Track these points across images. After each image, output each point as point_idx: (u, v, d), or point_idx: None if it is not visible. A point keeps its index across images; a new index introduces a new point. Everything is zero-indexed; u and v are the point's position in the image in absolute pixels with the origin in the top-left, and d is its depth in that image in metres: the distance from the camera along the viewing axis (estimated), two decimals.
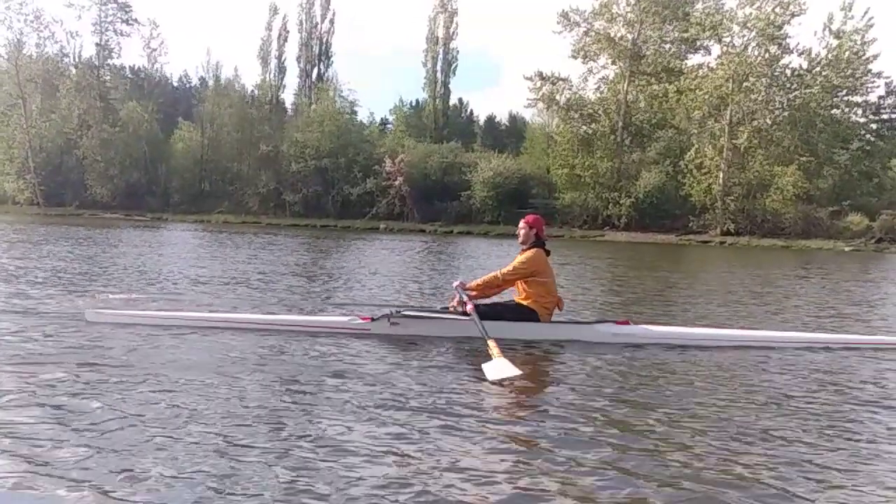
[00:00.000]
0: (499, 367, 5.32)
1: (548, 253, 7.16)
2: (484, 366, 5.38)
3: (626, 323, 7.17)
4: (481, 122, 76.12)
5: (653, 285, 14.48)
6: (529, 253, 7.06)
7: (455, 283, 7.16)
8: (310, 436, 3.81)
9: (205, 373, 5.06)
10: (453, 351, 6.32)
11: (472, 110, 78.28)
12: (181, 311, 7.75)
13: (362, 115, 70.04)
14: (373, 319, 6.81)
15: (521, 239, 7.22)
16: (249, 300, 9.14)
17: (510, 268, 7.02)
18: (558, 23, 48.94)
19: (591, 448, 3.80)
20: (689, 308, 10.45)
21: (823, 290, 14.31)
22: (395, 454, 3.59)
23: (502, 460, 3.58)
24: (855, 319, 9.83)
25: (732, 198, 43.63)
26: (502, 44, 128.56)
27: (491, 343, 5.76)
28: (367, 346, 6.27)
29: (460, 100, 77.59)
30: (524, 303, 7.00)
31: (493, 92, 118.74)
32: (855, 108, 45.55)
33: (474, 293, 6.95)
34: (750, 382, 5.52)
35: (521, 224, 7.24)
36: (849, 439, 4.16)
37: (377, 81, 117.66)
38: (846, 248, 37.94)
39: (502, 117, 75.13)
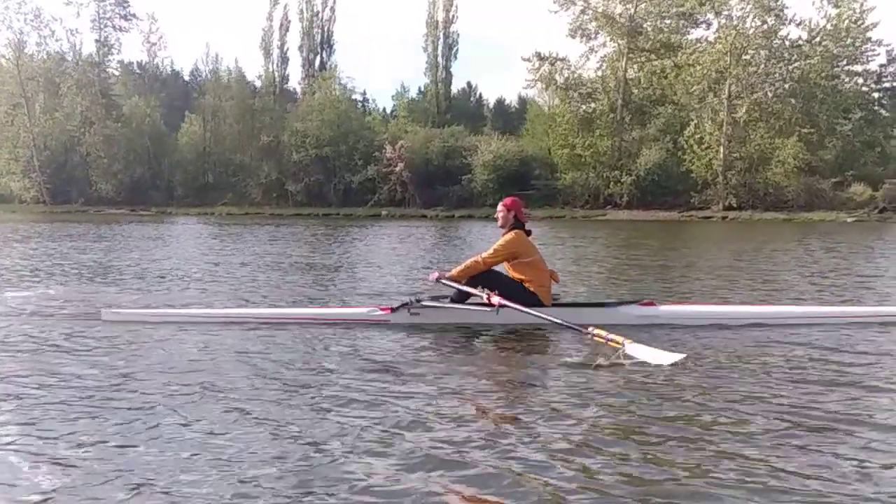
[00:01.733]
0: (647, 352, 5.11)
1: (529, 234, 7.09)
2: (634, 350, 5.17)
3: (652, 304, 7.00)
4: (491, 105, 75.89)
5: (662, 263, 14.26)
6: (509, 235, 6.98)
7: (432, 277, 7.08)
8: (338, 431, 3.77)
9: (228, 370, 5.03)
10: (474, 340, 6.30)
11: (480, 94, 78.28)
12: (197, 308, 7.67)
13: (364, 103, 70.56)
14: (393, 310, 6.73)
15: (500, 222, 7.16)
16: (261, 294, 9.07)
17: (491, 251, 6.90)
18: (555, 1, 48.55)
19: (627, 439, 3.66)
20: (705, 286, 10.22)
21: (837, 262, 14.06)
22: (425, 445, 3.54)
23: (532, 449, 3.51)
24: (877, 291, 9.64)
25: (734, 172, 43.31)
26: (513, 26, 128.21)
27: (597, 332, 5.56)
28: (389, 337, 6.23)
29: (469, 83, 77.85)
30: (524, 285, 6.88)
31: (506, 75, 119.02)
32: (856, 78, 45.02)
33: (457, 278, 6.85)
34: (800, 363, 5.26)
35: (500, 207, 7.18)
36: None
37: (381, 68, 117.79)
38: (849, 220, 37.64)
39: (512, 100, 74.92)
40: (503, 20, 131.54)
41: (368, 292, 9.18)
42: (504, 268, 7.02)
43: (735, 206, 42.52)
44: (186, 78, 62.74)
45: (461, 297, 6.82)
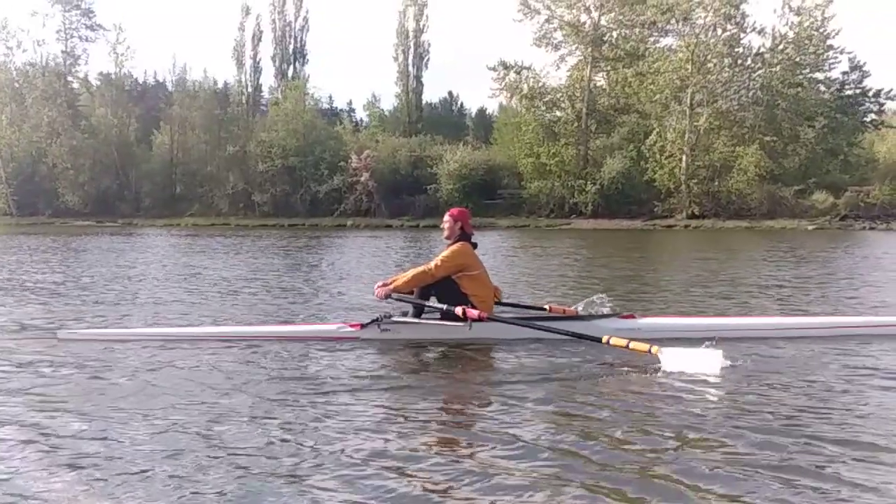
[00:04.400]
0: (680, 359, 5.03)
1: (475, 246, 6.89)
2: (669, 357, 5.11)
3: (632, 317, 6.78)
4: (473, 114, 75.93)
5: (630, 274, 14.09)
6: (455, 246, 6.75)
7: (379, 293, 6.67)
8: (299, 450, 3.67)
9: (186, 390, 4.84)
10: (445, 356, 6.13)
11: (461, 103, 78.40)
12: (156, 327, 7.42)
13: (335, 112, 70.42)
14: (362, 326, 6.52)
15: (445, 233, 6.93)
16: (225, 311, 8.75)
17: (438, 261, 6.63)
18: (518, 10, 48.54)
19: (599, 454, 3.60)
20: (677, 297, 10.03)
21: (811, 272, 14.02)
22: (390, 465, 3.47)
23: (501, 468, 3.42)
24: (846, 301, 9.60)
25: (696, 181, 43.44)
26: (496, 36, 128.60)
27: (615, 339, 5.47)
28: (358, 354, 6.04)
29: (450, 93, 78.25)
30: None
31: (489, 85, 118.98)
32: (818, 85, 45.19)
33: (405, 291, 6.63)
34: (786, 377, 5.15)
35: (446, 217, 6.96)
36: None
37: (356, 78, 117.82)
38: (810, 227, 37.93)
39: (494, 109, 75.05)
40: (487, 30, 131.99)
41: (333, 307, 8.93)
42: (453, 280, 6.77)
43: (698, 214, 42.65)
44: (170, 88, 62.24)
45: (420, 310, 6.64)
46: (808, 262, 16.24)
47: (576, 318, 6.91)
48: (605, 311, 6.93)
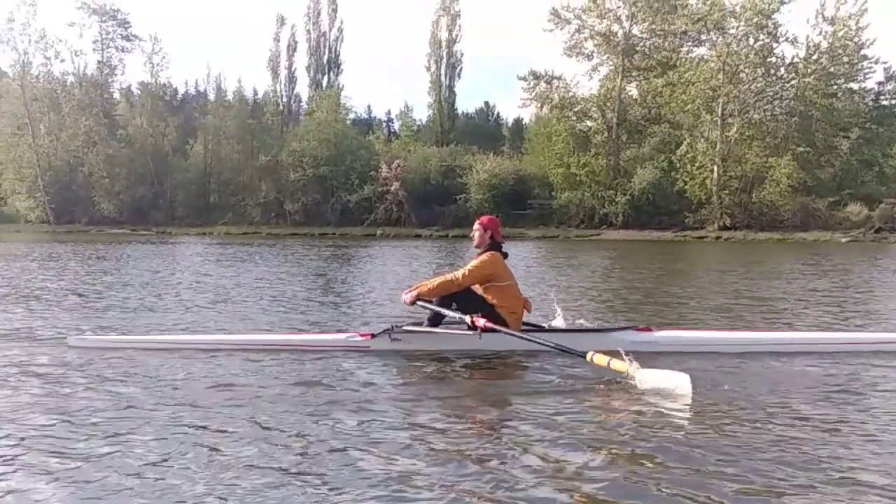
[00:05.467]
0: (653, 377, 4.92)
1: (505, 256, 6.78)
2: (642, 377, 4.98)
3: (649, 330, 6.66)
4: (509, 124, 75.89)
5: (656, 286, 13.98)
6: (485, 256, 6.66)
7: (406, 299, 6.62)
8: (303, 461, 3.66)
9: (194, 400, 4.80)
10: (456, 366, 5.99)
11: (498, 113, 78.33)
12: (168, 334, 7.46)
13: (372, 122, 70.84)
14: (373, 336, 6.46)
15: (475, 242, 6.84)
16: (242, 319, 8.75)
17: (465, 271, 6.55)
18: (549, 20, 48.44)
19: (615, 471, 3.54)
20: (701, 310, 9.91)
21: (838, 286, 13.72)
22: (398, 478, 3.44)
23: (510, 484, 3.37)
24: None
25: (728, 192, 43.02)
26: (533, 45, 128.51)
27: (598, 357, 5.30)
28: (369, 364, 5.97)
29: (486, 103, 78.42)
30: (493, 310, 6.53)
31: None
32: (852, 96, 44.55)
33: (428, 298, 6.55)
34: (800, 394, 5.03)
35: (476, 226, 6.85)
36: None
37: (391, 88, 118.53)
38: (843, 240, 37.32)
39: (531, 119, 75.02)
40: (524, 38, 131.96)
41: (352, 317, 8.93)
42: (475, 290, 6.70)
43: (729, 226, 42.19)
44: (211, 97, 63.04)
45: (437, 319, 6.54)
46: (835, 276, 15.95)
47: (590, 330, 6.90)
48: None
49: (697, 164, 43.50)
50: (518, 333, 6.07)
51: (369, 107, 78.55)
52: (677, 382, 4.77)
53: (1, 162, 57.88)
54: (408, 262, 21.33)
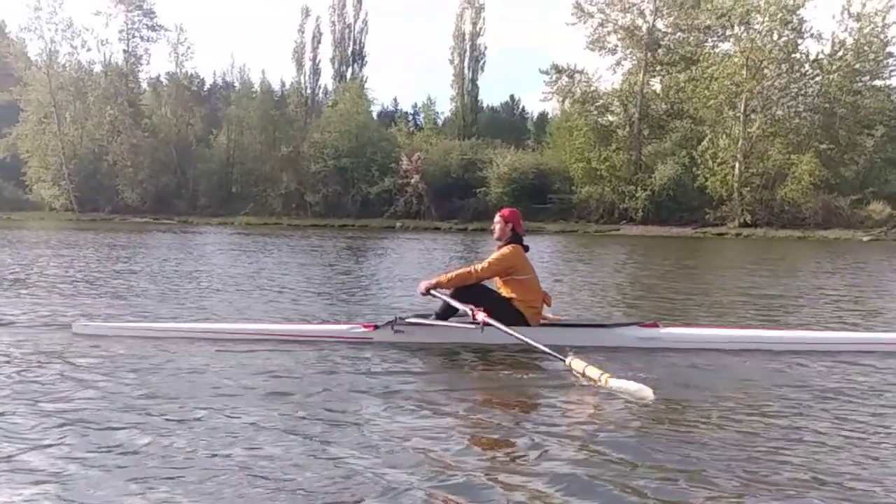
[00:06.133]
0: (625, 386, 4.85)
1: (526, 249, 6.72)
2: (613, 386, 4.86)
3: (655, 325, 6.64)
4: (534, 118, 75.74)
5: (672, 282, 13.91)
6: (505, 249, 6.61)
7: (421, 288, 6.64)
8: (309, 457, 3.60)
9: (192, 390, 4.79)
10: (459, 359, 5.99)
11: (523, 107, 78.19)
12: (171, 322, 7.44)
13: (399, 115, 70.97)
14: (376, 327, 6.48)
15: (496, 234, 6.78)
16: (245, 309, 8.73)
17: (485, 263, 6.53)
18: (572, 14, 48.29)
19: (610, 470, 3.50)
20: (715, 306, 9.87)
21: (851, 285, 13.50)
22: (394, 476, 3.39)
23: (514, 482, 3.35)
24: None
25: (749, 188, 42.71)
26: (564, 39, 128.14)
27: (575, 363, 5.20)
28: (370, 355, 5.94)
29: (512, 97, 78.48)
30: (511, 304, 6.52)
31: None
32: (877, 93, 43.90)
33: (445, 289, 6.52)
34: (806, 393, 4.97)
35: (497, 218, 6.80)
36: None
37: (416, 80, 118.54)
38: (864, 238, 36.95)
39: (556, 113, 74.79)
40: (550, 32, 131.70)
41: (360, 308, 8.94)
42: (495, 283, 6.70)
43: (750, 223, 41.88)
44: (238, 86, 63.48)
45: (448, 312, 6.47)
46: (851, 275, 15.77)
47: (597, 325, 6.89)
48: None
49: (719, 161, 43.16)
50: (507, 329, 5.98)
51: (395, 100, 78.94)
52: (641, 395, 4.74)
53: (27, 150, 58.28)
54: (421, 254, 21.38)
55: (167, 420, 4.14)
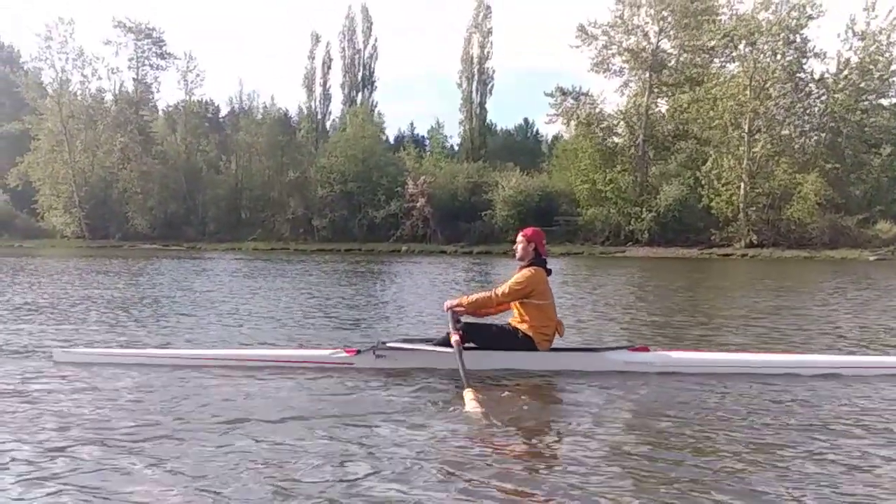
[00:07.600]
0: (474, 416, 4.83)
1: (549, 272, 6.48)
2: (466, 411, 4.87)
3: (645, 349, 6.52)
4: (549, 141, 75.80)
5: (671, 304, 13.74)
6: (527, 271, 6.35)
7: (446, 306, 6.45)
8: (283, 485, 3.54)
9: (163, 416, 4.74)
10: (441, 387, 5.75)
11: (537, 129, 78.39)
12: (152, 349, 7.38)
13: (400, 138, 71.23)
14: (358, 352, 6.36)
15: (518, 254, 6.51)
16: (229, 335, 8.66)
17: (505, 288, 6.31)
18: (576, 37, 48.38)
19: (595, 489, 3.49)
20: (711, 330, 9.68)
21: (849, 306, 13.22)
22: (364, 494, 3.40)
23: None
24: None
25: (755, 209, 42.50)
26: (575, 61, 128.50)
27: (467, 394, 5.08)
28: (351, 381, 5.84)
29: (526, 120, 78.31)
30: (520, 328, 6.35)
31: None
32: (883, 112, 43.69)
33: (463, 311, 6.38)
34: (797, 419, 4.84)
35: (519, 238, 6.54)
36: None
37: (427, 104, 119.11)
38: (871, 258, 36.63)
39: (565, 134, 74.87)
40: (563, 54, 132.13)
41: (350, 333, 8.88)
42: (511, 304, 6.50)
43: (756, 243, 41.62)
44: (239, 113, 64.07)
45: (447, 340, 6.19)
46: (852, 296, 15.41)
47: (583, 349, 6.82)
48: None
49: (724, 181, 42.98)
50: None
51: (412, 124, 78.92)
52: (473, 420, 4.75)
53: (39, 178, 58.85)
54: (421, 279, 21.28)
55: (134, 447, 4.12)
